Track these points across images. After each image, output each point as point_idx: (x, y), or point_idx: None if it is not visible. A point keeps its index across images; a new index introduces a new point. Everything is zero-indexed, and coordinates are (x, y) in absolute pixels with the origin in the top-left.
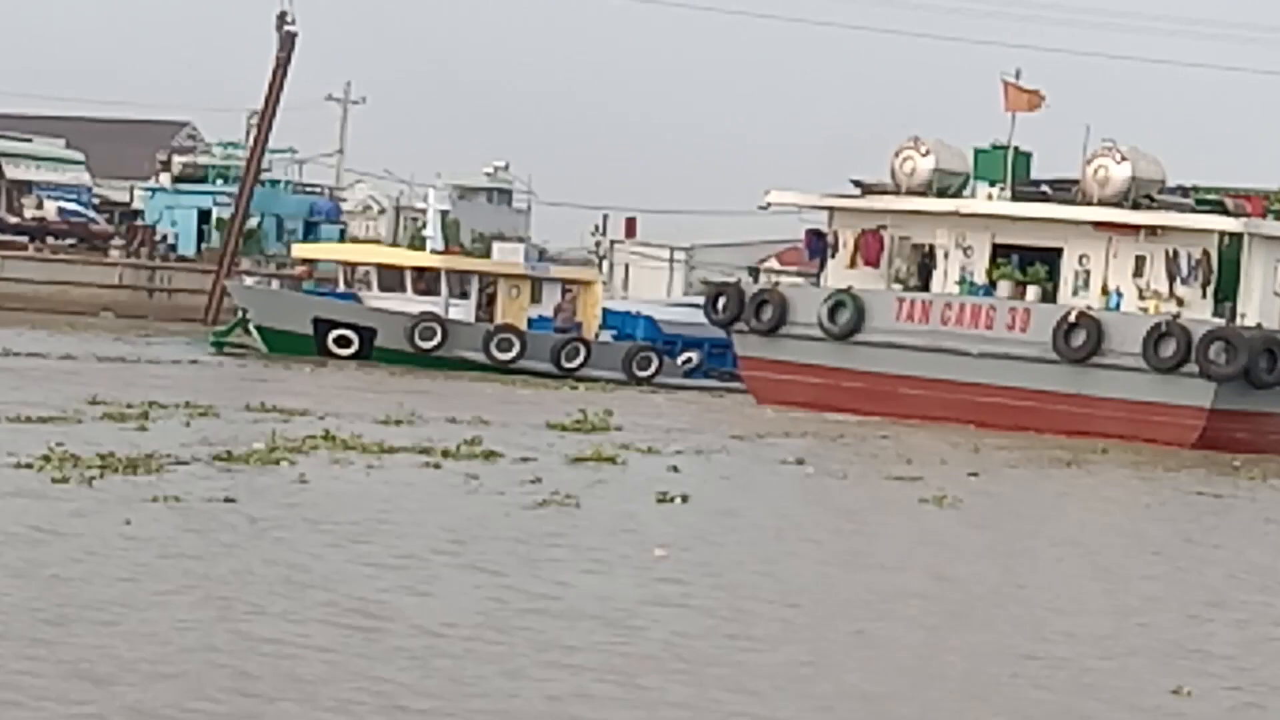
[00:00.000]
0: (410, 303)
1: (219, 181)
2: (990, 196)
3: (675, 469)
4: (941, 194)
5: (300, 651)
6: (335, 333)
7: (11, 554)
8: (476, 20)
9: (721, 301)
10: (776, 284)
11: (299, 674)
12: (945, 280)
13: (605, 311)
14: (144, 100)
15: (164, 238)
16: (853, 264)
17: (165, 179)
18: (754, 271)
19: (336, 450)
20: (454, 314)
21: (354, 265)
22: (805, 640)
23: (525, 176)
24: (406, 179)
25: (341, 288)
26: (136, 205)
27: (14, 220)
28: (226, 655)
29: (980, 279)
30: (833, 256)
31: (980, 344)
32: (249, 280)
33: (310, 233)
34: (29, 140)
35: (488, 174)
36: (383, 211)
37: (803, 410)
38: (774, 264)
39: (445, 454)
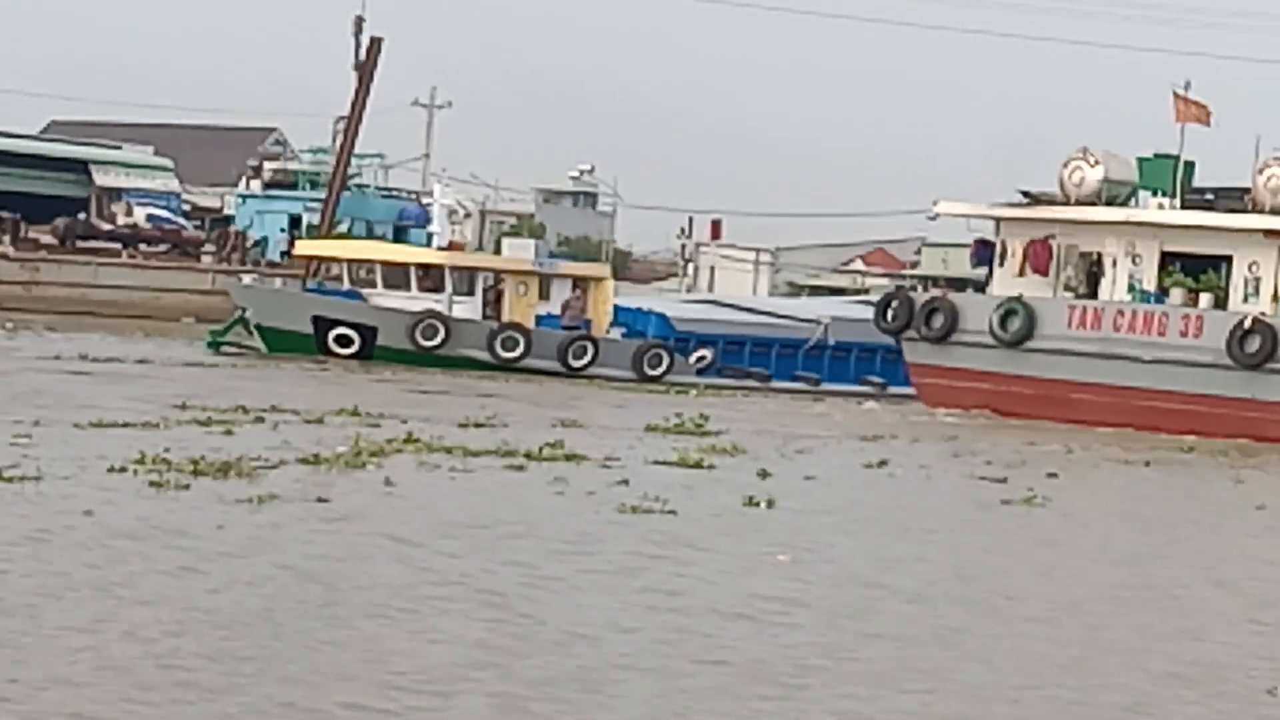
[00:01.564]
0: (414, 300)
1: (309, 187)
2: (1160, 206)
3: (765, 473)
4: (1110, 203)
5: (465, 651)
6: (336, 331)
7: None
8: (562, 24)
9: (891, 309)
10: (946, 293)
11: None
12: (1113, 288)
13: (616, 309)
14: (232, 107)
15: (255, 244)
16: (1021, 272)
17: (256, 185)
18: (925, 280)
19: (421, 453)
20: (458, 312)
21: (358, 262)
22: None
23: (611, 180)
24: (492, 183)
25: (346, 285)
26: (228, 211)
27: (107, 227)
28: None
29: (1149, 286)
30: (1000, 265)
31: (1153, 350)
32: (247, 279)
33: (400, 237)
34: (118, 148)
35: (573, 178)
36: (468, 215)
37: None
38: (859, 265)
39: (528, 456)
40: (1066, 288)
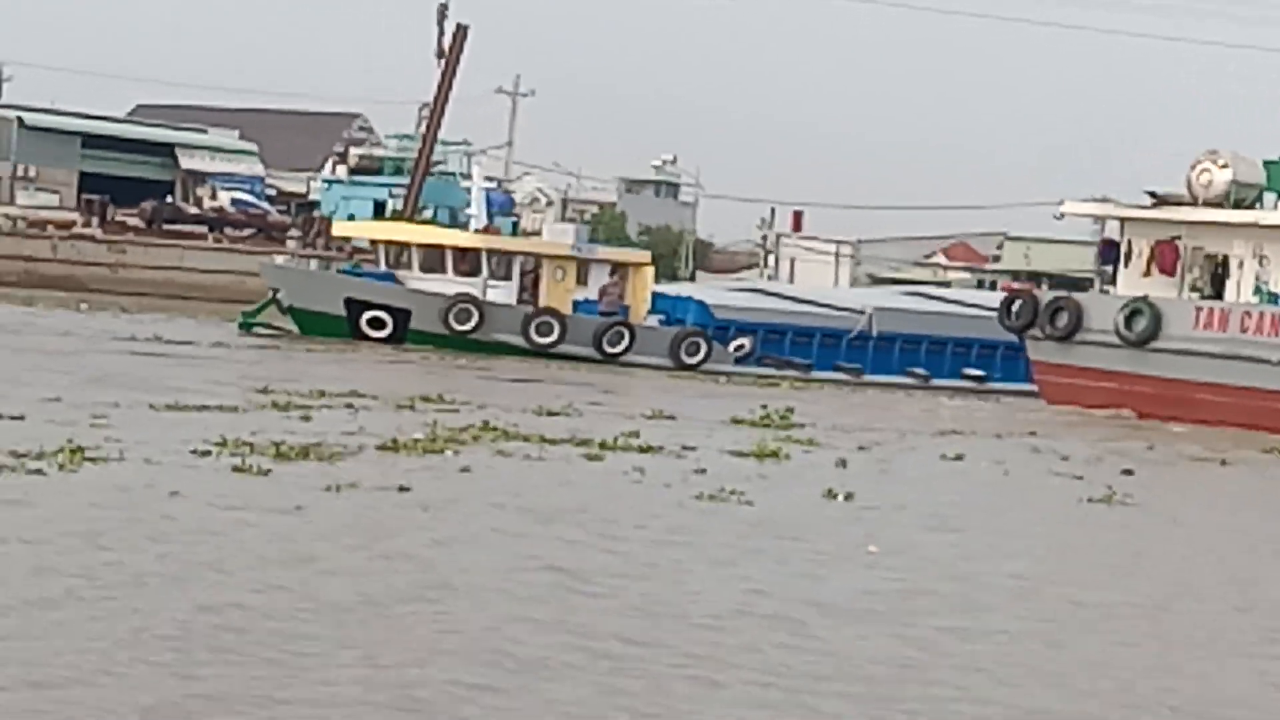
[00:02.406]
0: (450, 284)
1: (394, 174)
2: None
3: (843, 463)
4: (1237, 205)
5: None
6: (369, 314)
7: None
8: (646, 14)
9: (1015, 308)
10: (1070, 293)
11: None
12: (1239, 290)
13: (656, 295)
14: (317, 92)
15: None
16: (1147, 273)
17: (342, 171)
18: (1042, 278)
19: (498, 440)
20: (493, 296)
21: (395, 245)
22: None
23: (693, 170)
24: (574, 171)
25: (382, 268)
26: (313, 196)
27: (194, 211)
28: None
29: (1276, 288)
30: (1125, 265)
31: (1279, 352)
32: (279, 259)
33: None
34: (204, 131)
35: (655, 167)
36: (550, 204)
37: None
38: (940, 259)
39: (603, 445)
40: (1192, 289)
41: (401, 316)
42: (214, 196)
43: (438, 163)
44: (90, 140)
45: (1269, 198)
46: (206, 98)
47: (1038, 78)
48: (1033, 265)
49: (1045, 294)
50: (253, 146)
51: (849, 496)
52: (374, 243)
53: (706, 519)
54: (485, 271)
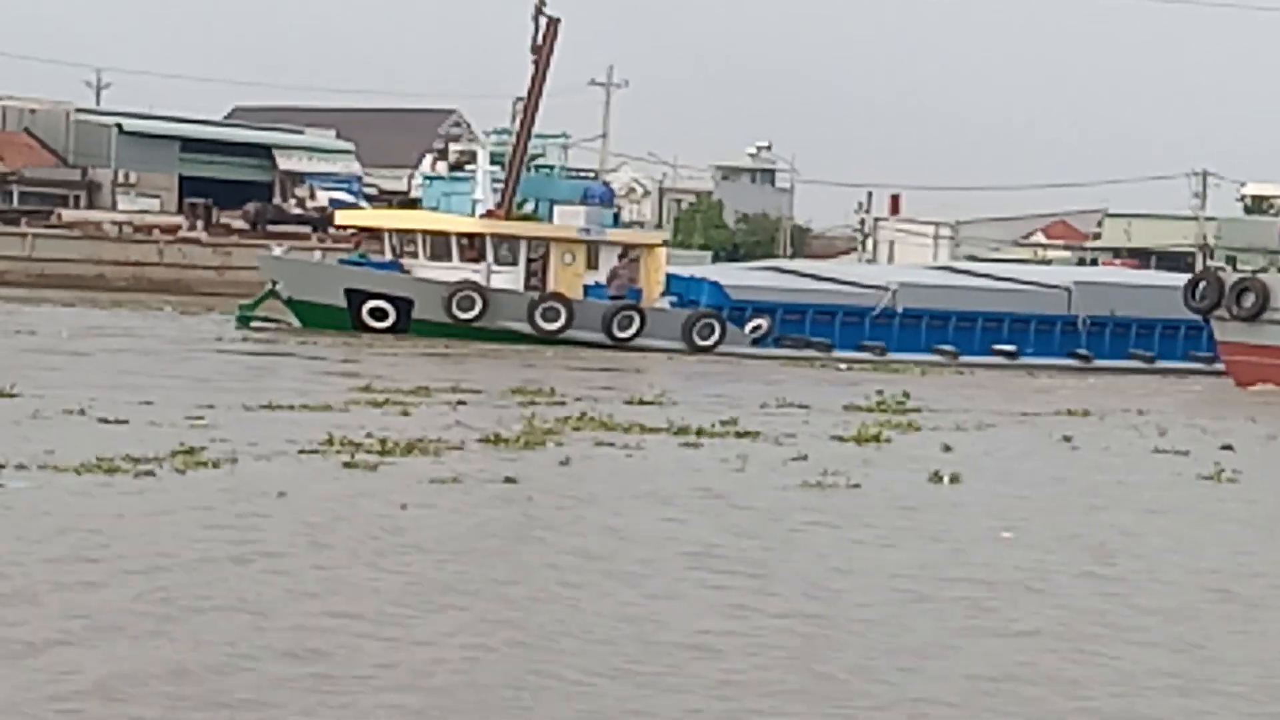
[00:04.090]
0: (455, 271)
1: (495, 169)
2: None
3: (948, 447)
4: None
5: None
6: (370, 304)
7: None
8: (737, 2)
9: (1200, 289)
10: (1257, 274)
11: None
12: None
13: (670, 277)
14: (410, 90)
15: None
16: None
17: (442, 167)
18: (1230, 259)
19: (597, 431)
20: (498, 282)
21: (400, 233)
22: None
23: (789, 156)
24: (670, 161)
25: (388, 256)
26: (414, 194)
27: (297, 211)
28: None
29: None
30: None
31: None
32: (277, 250)
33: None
34: (301, 132)
35: (751, 154)
36: (647, 194)
37: None
38: (1040, 238)
39: (700, 433)
40: None
41: (404, 306)
42: (313, 196)
43: (535, 156)
44: (189, 144)
45: None
46: (302, 98)
47: (1133, 52)
48: (1134, 241)
49: (1230, 275)
50: (349, 146)
51: (954, 479)
52: (379, 231)
53: (811, 498)
54: (490, 257)
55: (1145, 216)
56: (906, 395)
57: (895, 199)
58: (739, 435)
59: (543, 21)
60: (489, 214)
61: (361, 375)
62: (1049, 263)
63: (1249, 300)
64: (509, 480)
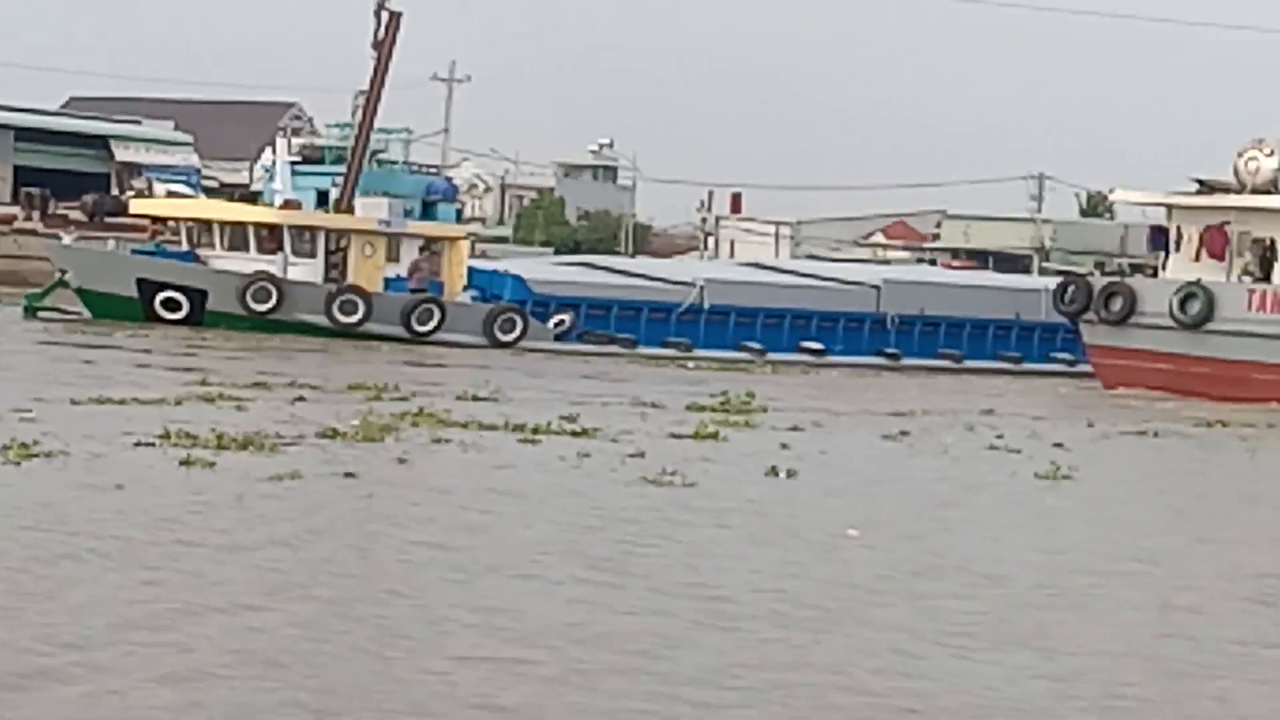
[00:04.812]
0: (252, 263)
1: (335, 162)
2: None
3: (785, 446)
4: None
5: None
6: (163, 295)
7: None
8: None
9: (1069, 293)
10: (1123, 278)
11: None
12: None
13: (474, 271)
14: (250, 82)
15: None
16: (1196, 258)
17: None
18: (1098, 264)
19: (434, 427)
20: (295, 274)
21: (197, 223)
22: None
23: (630, 154)
24: (512, 158)
25: (185, 246)
26: (254, 187)
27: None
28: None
29: None
30: (1176, 251)
31: None
32: (66, 239)
33: (428, 213)
34: (138, 123)
35: (593, 152)
36: (489, 190)
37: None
38: (879, 238)
39: (537, 430)
40: (1244, 272)
41: (198, 297)
42: (150, 188)
43: (379, 151)
44: (22, 133)
45: None
46: (140, 89)
47: (977, 53)
48: (972, 243)
49: (1099, 280)
50: (187, 138)
51: (791, 474)
52: (176, 221)
53: (642, 498)
54: (288, 248)
55: (983, 219)
56: (752, 394)
57: (736, 197)
58: (575, 434)
59: (384, 15)
60: (286, 205)
61: (194, 370)
62: (888, 263)
63: (1117, 304)
64: (349, 475)
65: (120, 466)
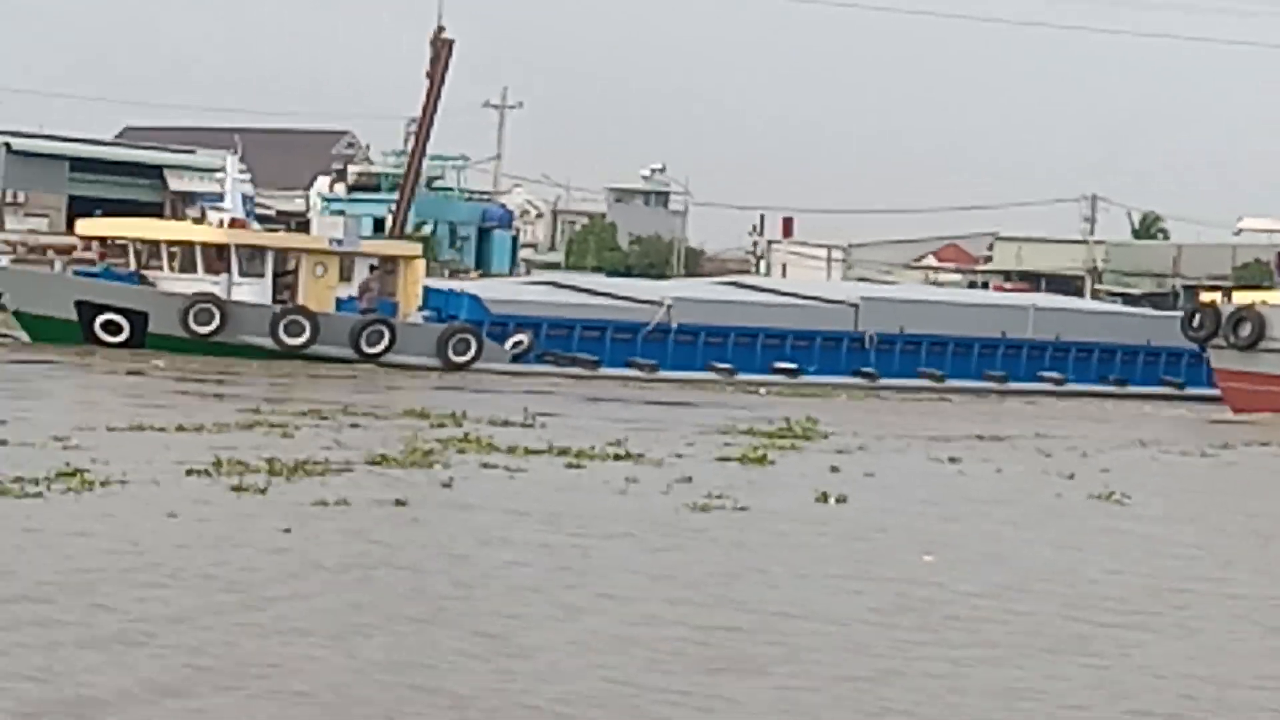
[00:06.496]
0: (200, 283)
1: (391, 190)
2: None
3: (835, 469)
4: None
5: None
6: (103, 317)
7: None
8: (633, 24)
9: (1198, 319)
10: (1253, 304)
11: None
12: None
13: (428, 290)
14: (304, 111)
15: None
16: None
17: (340, 189)
18: (1226, 291)
19: (482, 453)
20: (242, 294)
21: (145, 244)
22: None
23: (682, 178)
24: (563, 183)
25: (132, 267)
26: (311, 216)
27: None
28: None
29: None
30: None
31: None
32: (3, 260)
33: (483, 239)
34: (191, 152)
35: (645, 177)
36: (540, 216)
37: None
38: (931, 261)
39: (580, 455)
40: None
41: (139, 319)
42: (204, 217)
43: (435, 178)
44: (79, 163)
45: None
46: (194, 119)
47: (1027, 77)
48: (1024, 265)
49: (1226, 305)
50: (241, 166)
51: (842, 499)
52: (122, 242)
53: (699, 519)
54: (234, 268)
55: (1036, 240)
56: (814, 420)
57: (788, 221)
58: (619, 458)
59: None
60: (233, 223)
61: (232, 397)
62: (940, 284)
63: (1245, 329)
64: (399, 503)
65: (181, 493)
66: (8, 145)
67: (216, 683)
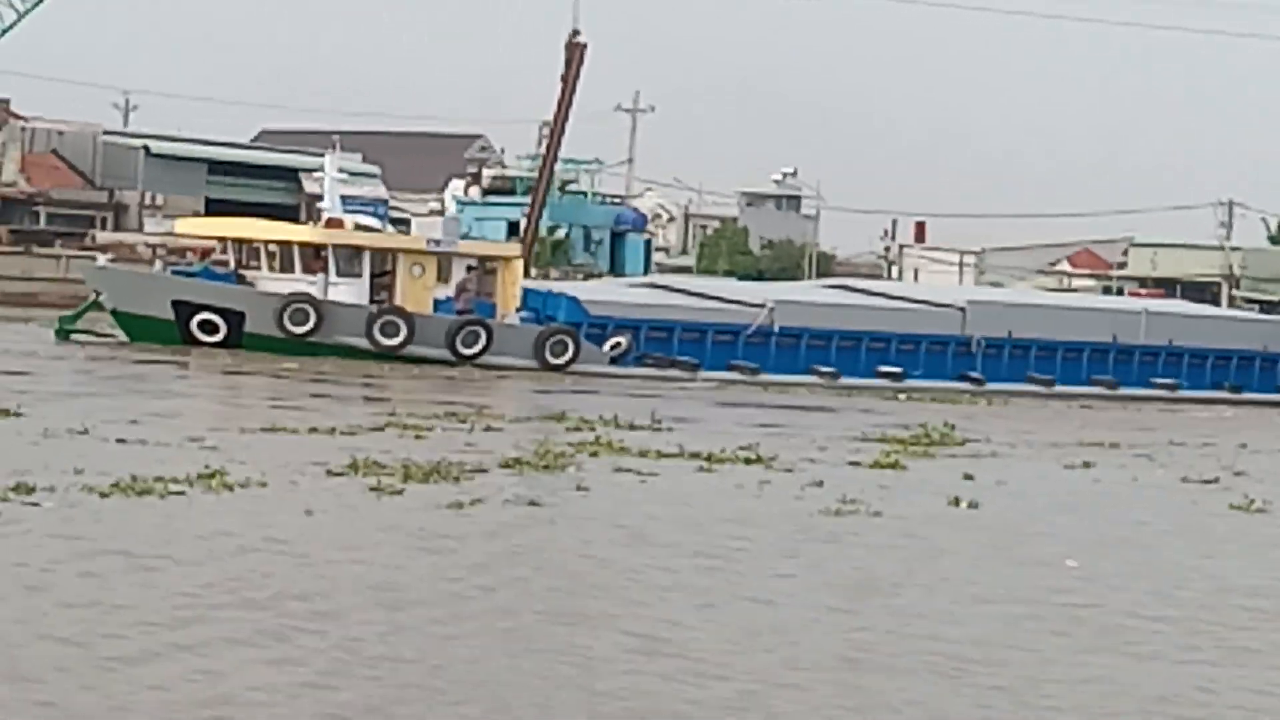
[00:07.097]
0: (295, 283)
1: (526, 193)
2: None
3: (969, 476)
4: None
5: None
6: (200, 317)
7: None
8: (765, 28)
9: None
10: None
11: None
12: None
13: (529, 292)
14: (437, 114)
15: None
16: None
17: (474, 192)
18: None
19: (614, 456)
20: (339, 294)
21: (244, 244)
22: None
23: (814, 182)
24: (695, 187)
25: (232, 267)
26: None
27: None
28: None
29: None
30: None
31: None
32: (102, 259)
33: (617, 243)
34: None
35: (776, 181)
36: (672, 219)
37: None
38: (1065, 266)
39: (711, 459)
40: None
41: (235, 319)
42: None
43: (569, 181)
44: (215, 166)
45: None
46: (329, 122)
47: (1167, 80)
48: (1159, 271)
49: None
50: (375, 169)
51: (974, 505)
52: (223, 241)
53: (844, 530)
54: (331, 269)
55: (1171, 246)
56: (951, 426)
57: (921, 226)
58: (750, 462)
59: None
60: (330, 223)
61: (356, 399)
62: (1074, 290)
63: None
64: (533, 504)
65: (320, 493)
66: (146, 148)
67: (370, 676)
